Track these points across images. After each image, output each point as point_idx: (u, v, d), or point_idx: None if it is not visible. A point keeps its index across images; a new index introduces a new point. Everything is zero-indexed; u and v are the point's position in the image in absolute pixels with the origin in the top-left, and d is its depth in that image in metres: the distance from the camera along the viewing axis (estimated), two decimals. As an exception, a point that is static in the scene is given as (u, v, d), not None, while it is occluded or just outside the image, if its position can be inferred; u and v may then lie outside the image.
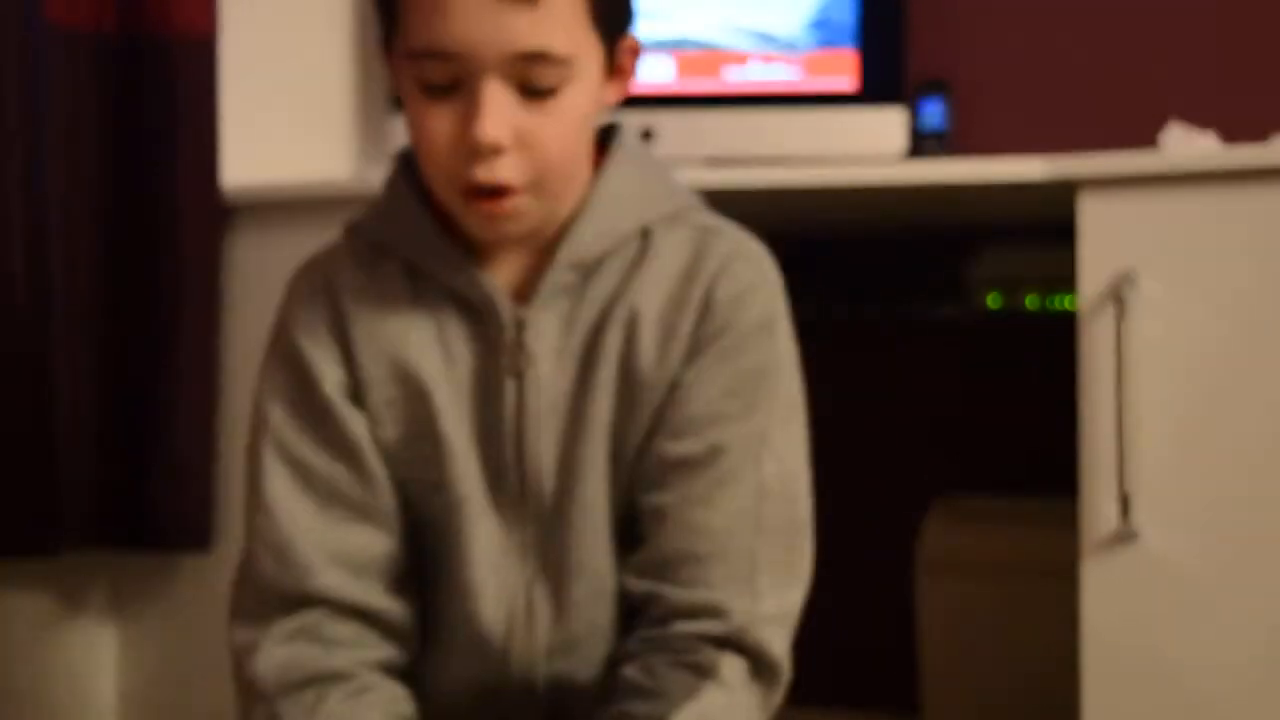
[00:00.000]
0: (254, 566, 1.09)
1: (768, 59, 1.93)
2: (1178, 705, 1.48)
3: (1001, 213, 1.87)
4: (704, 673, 1.02)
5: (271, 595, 1.07)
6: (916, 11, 1.95)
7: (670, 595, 1.05)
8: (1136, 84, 2.00)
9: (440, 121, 1.01)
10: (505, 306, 1.07)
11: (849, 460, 1.96)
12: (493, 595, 1.08)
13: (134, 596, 1.93)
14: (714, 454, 1.06)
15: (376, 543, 1.08)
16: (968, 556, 1.94)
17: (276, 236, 1.81)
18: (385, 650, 1.08)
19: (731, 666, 1.03)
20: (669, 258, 1.09)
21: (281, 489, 1.08)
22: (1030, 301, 1.96)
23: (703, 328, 1.07)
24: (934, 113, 1.94)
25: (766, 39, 1.93)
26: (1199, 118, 1.71)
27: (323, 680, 1.04)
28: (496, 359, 1.07)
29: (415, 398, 1.08)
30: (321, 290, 1.10)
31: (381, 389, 1.08)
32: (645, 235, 1.09)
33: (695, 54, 1.94)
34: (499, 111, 0.99)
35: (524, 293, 1.08)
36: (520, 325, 1.07)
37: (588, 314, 1.08)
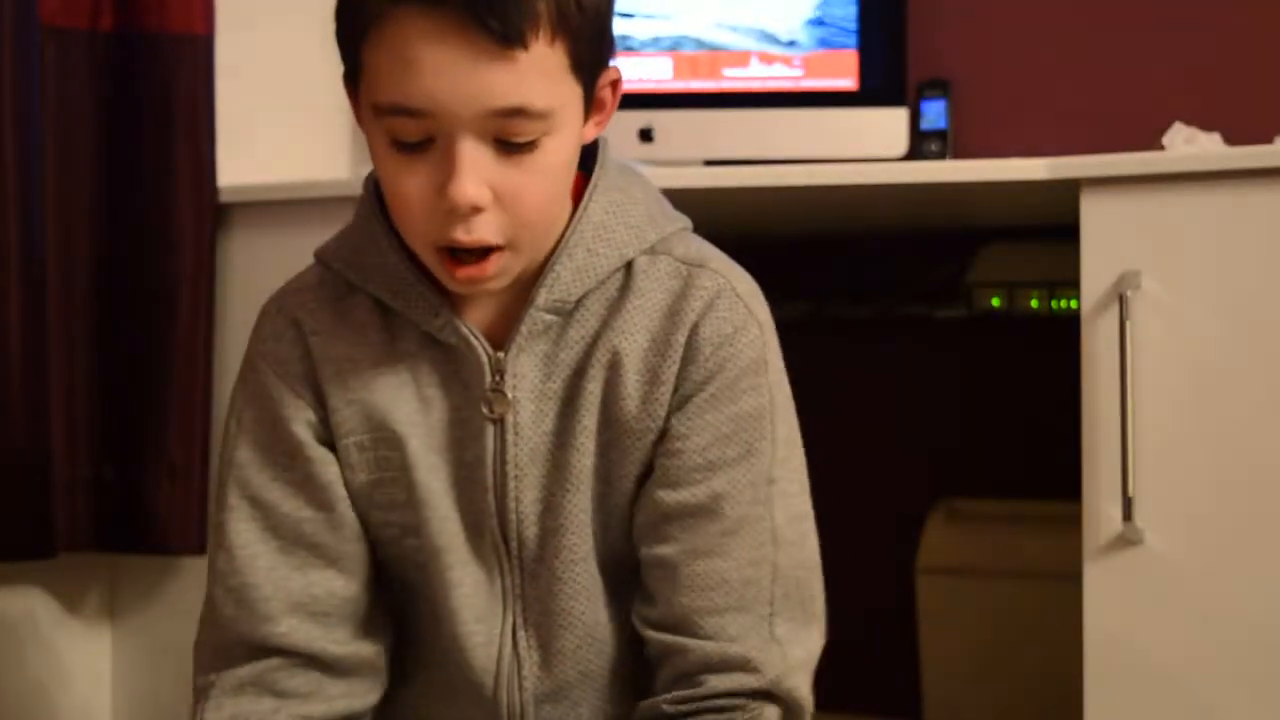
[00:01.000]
0: (214, 609, 1.06)
1: (768, 59, 1.93)
2: (1179, 708, 1.47)
3: (1003, 213, 1.86)
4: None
5: (230, 639, 1.05)
6: (917, 11, 1.94)
7: (697, 649, 1.02)
8: (1140, 85, 2.00)
9: (413, 179, 0.95)
10: (482, 350, 1.03)
11: (849, 462, 1.96)
12: (481, 643, 1.06)
13: (130, 599, 1.92)
14: (717, 502, 1.02)
15: (341, 587, 1.05)
16: (969, 559, 1.94)
17: (271, 236, 1.81)
18: (344, 701, 1.05)
19: (772, 718, 1.02)
20: (651, 295, 1.04)
21: (244, 531, 1.05)
22: (1032, 302, 1.95)
23: (689, 371, 1.03)
24: (935, 113, 1.94)
25: (767, 39, 1.93)
26: (1202, 119, 1.70)
27: None
28: (474, 404, 1.04)
29: (387, 443, 1.04)
30: (291, 327, 1.06)
31: (353, 433, 1.05)
32: (627, 269, 1.05)
33: (695, 54, 1.93)
34: (476, 170, 0.94)
35: (501, 334, 1.04)
36: (499, 369, 1.03)
37: (568, 356, 1.04)
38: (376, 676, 1.08)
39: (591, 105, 1.01)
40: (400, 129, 0.95)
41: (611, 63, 1.02)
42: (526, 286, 1.03)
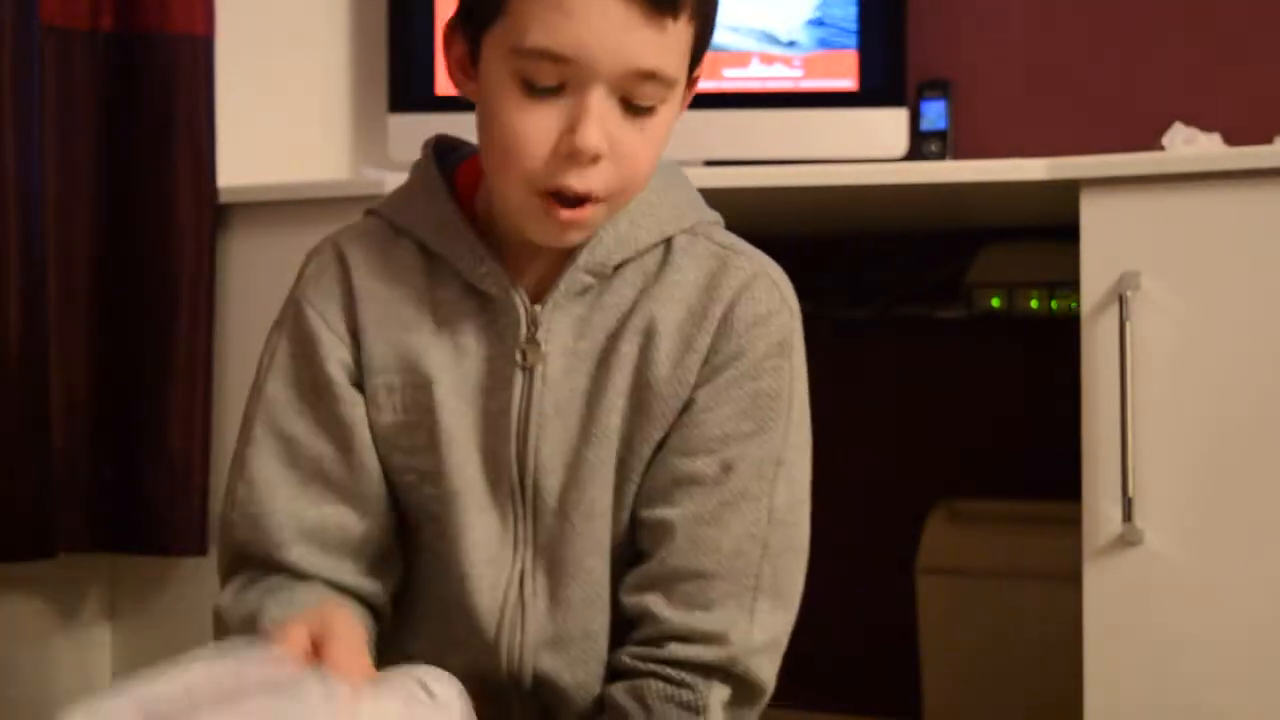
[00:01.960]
0: (229, 533, 1.09)
1: (768, 59, 1.93)
2: (1179, 708, 1.47)
3: (1003, 213, 1.86)
4: (696, 711, 1.03)
5: (242, 560, 1.09)
6: (917, 11, 1.94)
7: (667, 616, 1.04)
8: (1140, 85, 2.00)
9: (536, 121, 0.99)
10: (521, 302, 1.06)
11: (849, 462, 1.95)
12: (487, 587, 1.07)
13: (130, 599, 1.92)
14: (725, 472, 1.05)
15: (354, 524, 1.07)
16: (969, 560, 1.94)
17: (272, 237, 1.81)
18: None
19: (719, 696, 1.04)
20: (689, 271, 1.08)
21: (266, 462, 1.07)
22: (1032, 302, 1.95)
23: (720, 345, 1.06)
24: (935, 113, 1.94)
25: (767, 39, 1.93)
26: (1202, 120, 1.70)
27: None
28: (507, 355, 1.06)
29: (417, 387, 1.07)
30: (335, 261, 1.09)
31: (384, 374, 1.07)
32: (666, 246, 1.08)
33: (695, 54, 1.93)
34: (603, 121, 0.98)
35: (540, 293, 1.07)
36: (534, 322, 1.06)
37: (603, 320, 1.07)
38: (379, 613, 1.09)
39: (688, 89, 1.08)
40: (537, 72, 0.98)
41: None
42: (569, 251, 1.06)
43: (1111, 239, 1.50)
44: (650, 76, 0.99)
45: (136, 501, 1.82)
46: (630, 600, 1.06)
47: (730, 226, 1.13)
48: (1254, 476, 1.45)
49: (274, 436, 1.08)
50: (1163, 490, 1.47)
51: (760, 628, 1.05)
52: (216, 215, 1.83)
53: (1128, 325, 1.47)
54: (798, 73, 1.92)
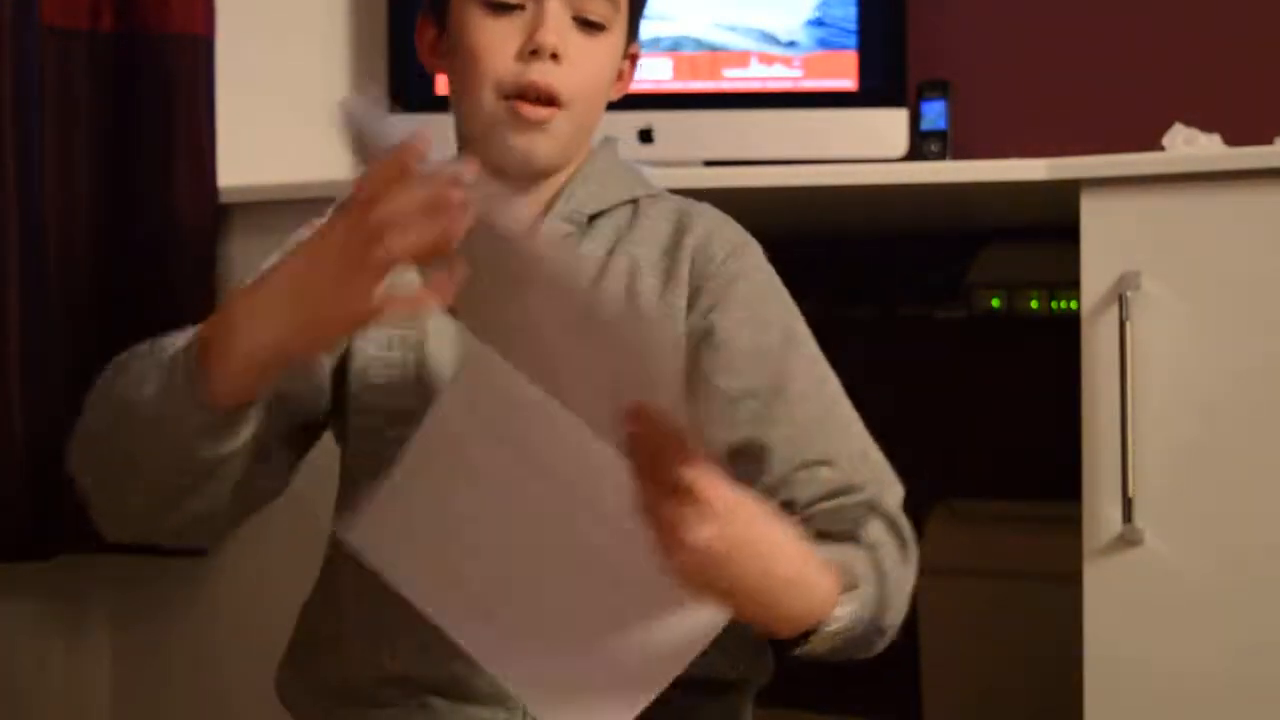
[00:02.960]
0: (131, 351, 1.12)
1: (768, 59, 1.92)
2: (1179, 708, 1.47)
3: (1003, 213, 1.86)
4: (859, 525, 1.08)
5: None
6: (917, 11, 1.94)
7: (801, 496, 1.09)
8: (1140, 85, 2.00)
9: (502, 31, 1.14)
10: None
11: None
12: None
13: (129, 601, 1.92)
14: (780, 379, 1.11)
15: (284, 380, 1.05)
16: (969, 560, 1.94)
17: (272, 237, 1.79)
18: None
19: (877, 528, 1.09)
20: (659, 221, 1.18)
21: None
22: (1032, 302, 1.95)
23: (705, 272, 1.14)
24: (935, 113, 1.93)
25: (766, 39, 1.93)
26: (1203, 120, 1.70)
27: None
28: None
29: (406, 325, 1.14)
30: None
31: None
32: (634, 205, 1.19)
33: (695, 54, 1.93)
34: (559, 26, 1.13)
35: None
36: None
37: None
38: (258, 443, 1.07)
39: (626, 53, 1.22)
40: None
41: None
42: (547, 206, 1.18)
43: (1111, 239, 1.49)
44: None
45: (136, 502, 1.81)
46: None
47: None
48: (1254, 476, 1.45)
49: None
50: (1163, 490, 1.47)
51: (887, 489, 1.12)
52: (216, 215, 1.83)
53: (1128, 325, 1.47)
54: (797, 73, 1.92)
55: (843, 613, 1.01)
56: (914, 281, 2.09)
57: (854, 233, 2.08)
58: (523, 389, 0.94)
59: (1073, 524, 1.51)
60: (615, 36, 1.18)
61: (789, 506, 1.07)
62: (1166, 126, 1.67)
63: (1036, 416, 2.02)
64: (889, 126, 1.89)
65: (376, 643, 1.12)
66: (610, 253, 1.17)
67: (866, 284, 2.11)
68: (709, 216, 1.19)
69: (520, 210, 0.90)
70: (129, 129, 1.82)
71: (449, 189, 0.87)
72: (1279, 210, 1.45)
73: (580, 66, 1.14)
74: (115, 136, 1.82)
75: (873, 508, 1.09)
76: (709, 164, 1.84)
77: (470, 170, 0.89)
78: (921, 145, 1.92)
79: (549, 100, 1.13)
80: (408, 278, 0.93)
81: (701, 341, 1.13)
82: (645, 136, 1.88)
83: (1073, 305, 1.67)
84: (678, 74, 1.93)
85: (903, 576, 1.08)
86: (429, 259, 0.90)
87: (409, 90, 1.96)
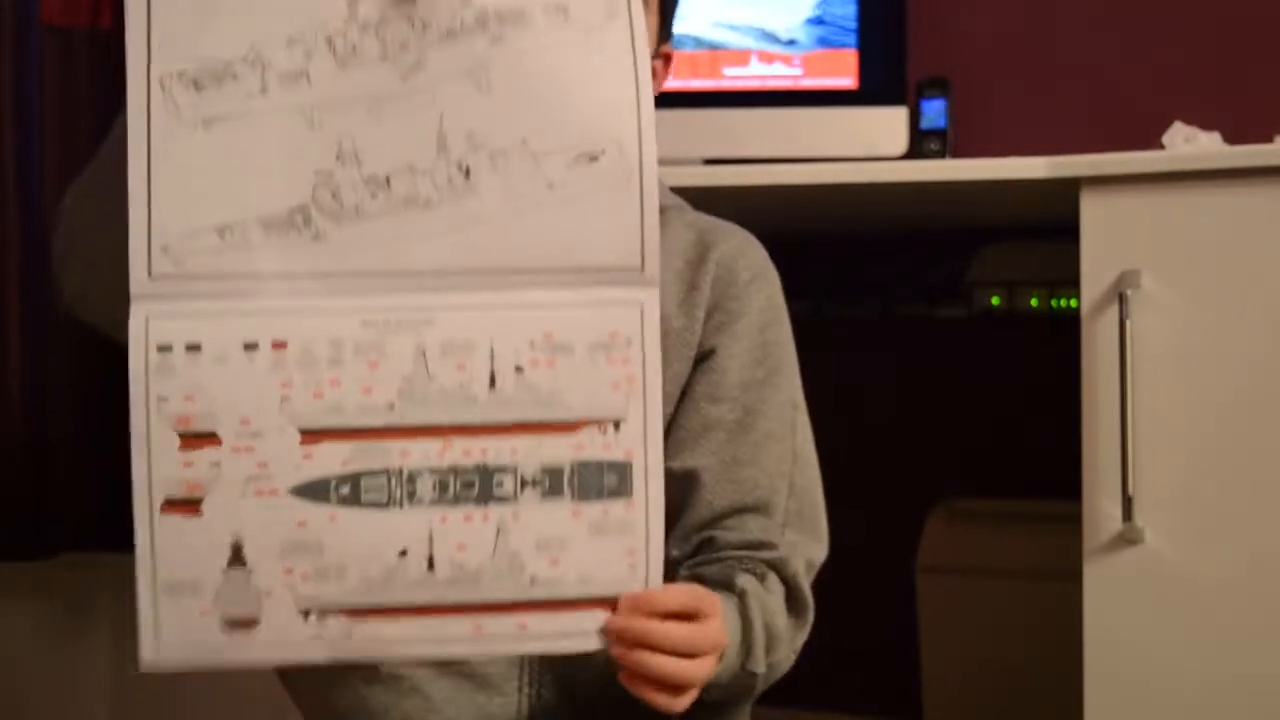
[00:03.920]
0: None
1: (767, 58, 1.92)
2: (1179, 708, 1.47)
3: (1003, 212, 1.86)
4: (759, 575, 1.09)
5: None
6: (917, 10, 1.94)
7: (721, 538, 1.10)
8: (1140, 85, 1.99)
9: None
10: None
11: (849, 462, 1.95)
12: None
13: (129, 600, 1.92)
14: (751, 417, 1.11)
15: None
16: (969, 559, 1.94)
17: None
18: None
19: (749, 580, 1.08)
20: (683, 231, 1.16)
21: None
22: (1032, 301, 1.95)
23: (725, 295, 1.13)
24: (935, 111, 1.93)
25: (766, 38, 1.93)
26: (1203, 119, 1.70)
27: None
28: None
29: None
30: None
31: None
32: (661, 213, 1.13)
33: (695, 53, 1.93)
34: None
35: None
36: None
37: None
38: None
39: (658, 53, 1.21)
40: None
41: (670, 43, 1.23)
42: None
43: (1111, 237, 1.49)
44: None
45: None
46: (683, 549, 1.10)
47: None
48: (1254, 475, 1.45)
49: None
50: (1163, 489, 1.47)
51: (795, 551, 1.11)
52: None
53: (1128, 324, 1.47)
54: (797, 71, 1.92)
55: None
56: (914, 280, 2.08)
57: (854, 231, 2.08)
58: None
59: (1073, 523, 1.51)
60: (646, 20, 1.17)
61: (709, 544, 1.10)
62: (1166, 125, 1.67)
63: (1036, 415, 2.02)
64: (889, 125, 1.89)
65: None
66: None
67: (866, 282, 2.10)
68: (738, 236, 1.18)
69: None
70: (129, 128, 1.82)
71: None
72: (1279, 209, 1.45)
73: None
74: (115, 136, 1.82)
75: (773, 566, 1.10)
76: (709, 162, 1.83)
77: None
78: (921, 143, 1.92)
79: None
80: None
81: (702, 360, 1.13)
82: (645, 135, 1.88)
83: (1073, 303, 1.67)
84: (678, 72, 1.92)
85: (780, 627, 1.08)
86: None
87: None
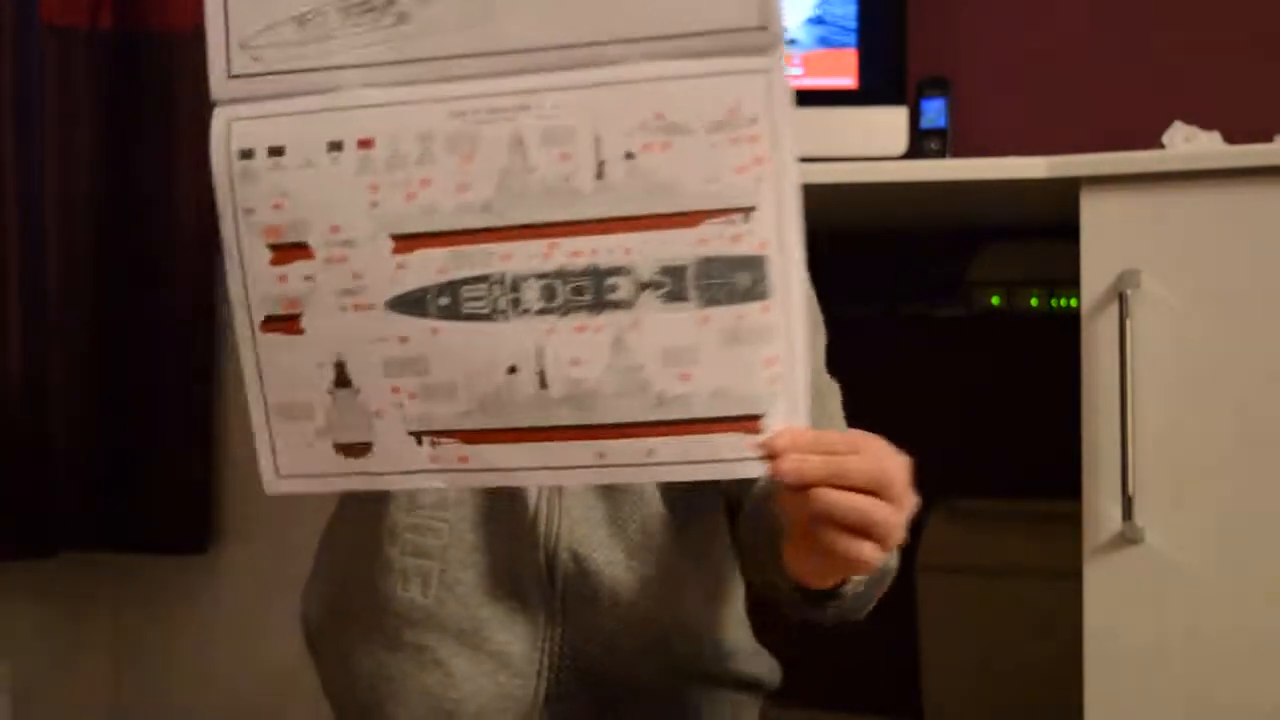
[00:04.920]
0: None
1: (767, 58, 1.92)
2: (1179, 707, 1.47)
3: (1003, 211, 1.86)
4: None
5: None
6: (917, 9, 1.94)
7: None
8: (1140, 85, 1.99)
9: None
10: None
11: (849, 461, 1.95)
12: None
13: (131, 599, 1.92)
14: (820, 399, 1.09)
15: None
16: (968, 559, 1.93)
17: (272, 236, 1.80)
18: None
19: None
20: None
21: None
22: (1032, 301, 1.95)
23: None
24: (934, 111, 1.93)
25: (766, 37, 1.92)
26: (1203, 118, 1.70)
27: None
28: None
29: None
30: None
31: None
32: None
33: (694, 53, 1.93)
34: None
35: None
36: None
37: None
38: None
39: None
40: None
41: None
42: None
43: (1111, 237, 1.49)
44: None
45: (137, 501, 1.82)
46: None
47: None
48: (1254, 475, 1.45)
49: None
50: (1163, 489, 1.47)
51: None
52: (217, 215, 1.83)
53: (1128, 323, 1.47)
54: (797, 70, 1.91)
55: None
56: (914, 279, 2.08)
57: (853, 230, 2.08)
58: None
59: (1073, 522, 1.51)
60: None
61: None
62: (1166, 124, 1.67)
63: (1036, 414, 2.02)
64: (889, 124, 1.89)
65: (405, 576, 1.10)
66: None
67: (866, 282, 2.10)
68: None
69: None
70: (129, 128, 1.82)
71: None
72: (1279, 208, 1.45)
73: None
74: (115, 136, 1.82)
75: None
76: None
77: None
78: (921, 143, 1.92)
79: None
80: None
81: None
82: (645, 135, 1.88)
83: (1073, 303, 1.68)
84: (677, 73, 1.93)
85: None
86: None
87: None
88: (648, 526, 1.09)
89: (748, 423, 0.83)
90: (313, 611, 1.19)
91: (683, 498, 1.10)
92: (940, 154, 1.92)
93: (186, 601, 1.87)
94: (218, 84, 0.87)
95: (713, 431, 0.83)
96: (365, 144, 0.84)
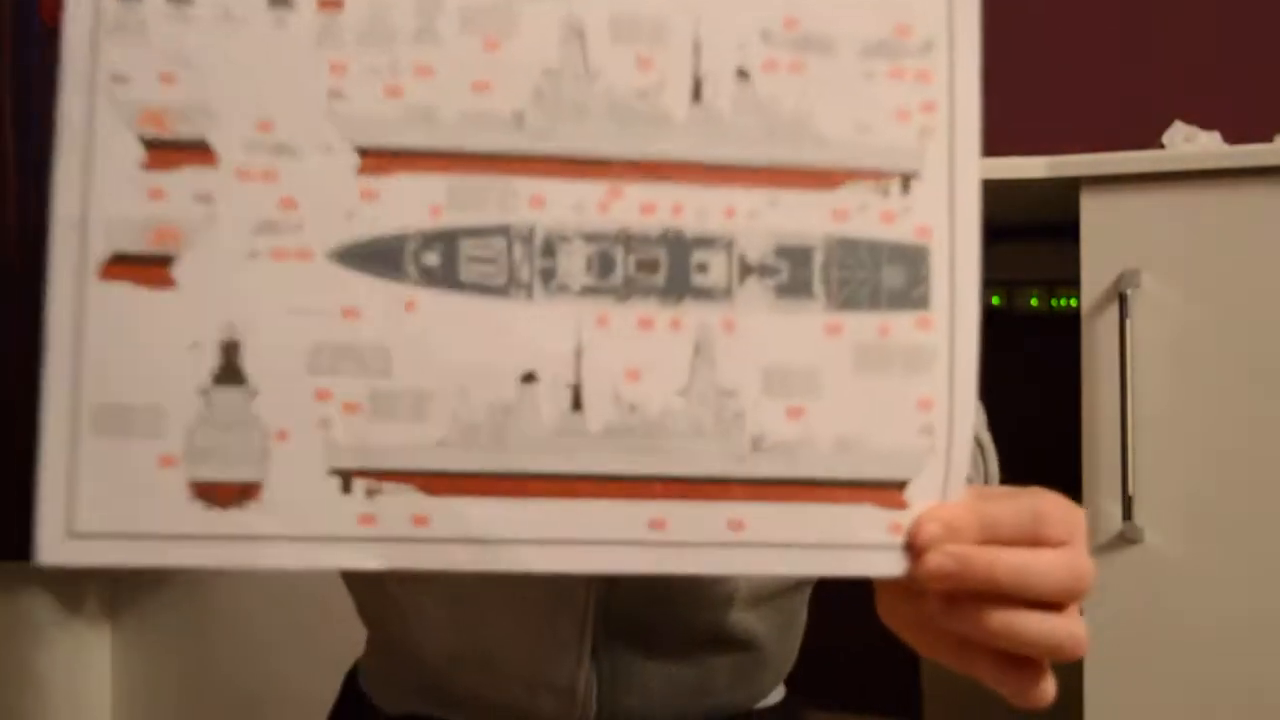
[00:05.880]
0: None
1: (767, 58, 1.91)
2: (1179, 707, 1.47)
3: (1003, 211, 1.86)
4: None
5: None
6: (917, 10, 1.94)
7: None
8: (1140, 85, 2.00)
9: None
10: None
11: (849, 461, 1.95)
12: None
13: (128, 599, 1.92)
14: None
15: None
16: (969, 558, 1.93)
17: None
18: None
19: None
20: None
21: None
22: (1031, 301, 1.95)
23: None
24: (935, 111, 1.93)
25: (766, 37, 1.92)
26: (1203, 118, 1.70)
27: None
28: None
29: None
30: None
31: None
32: None
33: (694, 53, 1.92)
34: None
35: None
36: None
37: None
38: None
39: None
40: None
41: None
42: None
43: (1111, 237, 1.49)
44: None
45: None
46: None
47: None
48: (1254, 475, 1.45)
49: None
50: (1163, 488, 1.47)
51: None
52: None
53: (1128, 323, 1.47)
54: (797, 72, 1.91)
55: None
56: (914, 280, 2.08)
57: (854, 231, 2.08)
58: None
59: (1073, 522, 1.51)
60: None
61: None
62: (1166, 124, 1.67)
63: (1036, 414, 2.02)
64: (889, 125, 1.88)
65: (451, 661, 1.04)
66: None
67: (866, 283, 2.10)
68: None
69: None
70: (129, 128, 1.82)
71: None
72: (1279, 208, 1.45)
73: None
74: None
75: None
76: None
77: None
78: (921, 144, 1.92)
79: None
80: None
81: None
82: (645, 135, 1.87)
83: (1072, 303, 1.67)
84: (677, 73, 1.92)
85: None
86: None
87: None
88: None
89: (885, 492, 0.58)
90: (370, 676, 1.14)
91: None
92: (940, 154, 1.92)
93: (185, 602, 1.87)
94: None
95: (833, 500, 0.57)
96: (330, 2, 0.53)
